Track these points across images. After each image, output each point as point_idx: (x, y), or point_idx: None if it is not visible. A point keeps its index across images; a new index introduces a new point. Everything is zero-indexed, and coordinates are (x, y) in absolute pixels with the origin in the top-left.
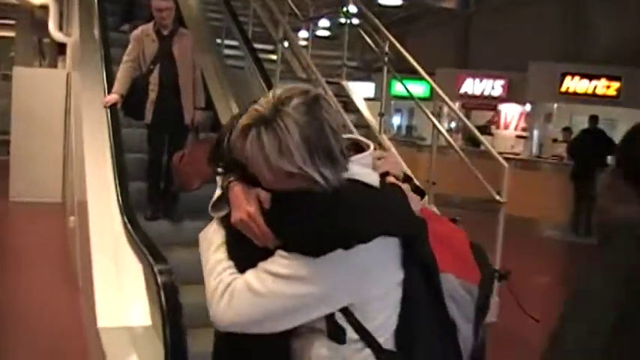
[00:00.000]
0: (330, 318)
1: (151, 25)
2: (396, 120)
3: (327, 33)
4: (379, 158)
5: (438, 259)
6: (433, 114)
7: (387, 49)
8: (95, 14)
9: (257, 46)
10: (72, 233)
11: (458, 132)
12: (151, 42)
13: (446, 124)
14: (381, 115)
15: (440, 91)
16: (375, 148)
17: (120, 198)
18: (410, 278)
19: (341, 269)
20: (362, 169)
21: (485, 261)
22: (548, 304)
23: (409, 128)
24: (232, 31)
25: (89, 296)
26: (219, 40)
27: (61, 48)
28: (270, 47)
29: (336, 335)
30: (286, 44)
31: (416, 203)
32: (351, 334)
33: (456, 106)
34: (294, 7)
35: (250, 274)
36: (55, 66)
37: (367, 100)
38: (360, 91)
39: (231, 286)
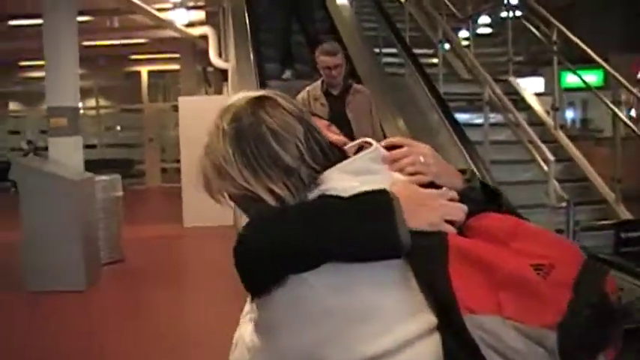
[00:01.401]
0: None
1: (318, 84)
2: (569, 114)
3: (488, 30)
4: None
5: (474, 291)
6: (612, 103)
7: (555, 38)
8: (248, 38)
9: (416, 51)
10: None
11: (638, 121)
12: (320, 106)
13: (625, 113)
14: (555, 109)
15: (618, 76)
16: (389, 146)
17: None
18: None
19: (296, 311)
20: (344, 177)
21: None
22: None
23: (584, 121)
24: (389, 39)
25: None
26: (377, 49)
27: (224, 74)
28: (429, 51)
29: None
30: (447, 46)
31: (438, 213)
32: None
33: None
34: (451, 6)
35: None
36: (220, 92)
37: (538, 95)
38: (529, 86)
39: (238, 335)
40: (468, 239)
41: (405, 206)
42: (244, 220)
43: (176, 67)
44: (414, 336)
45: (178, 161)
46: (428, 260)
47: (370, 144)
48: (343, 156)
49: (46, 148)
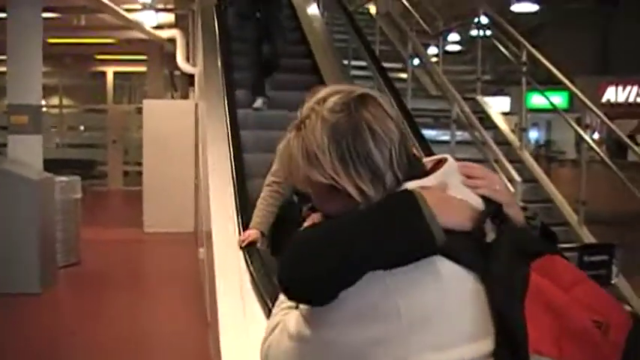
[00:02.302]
0: None
1: None
2: (533, 134)
3: (457, 47)
4: (469, 177)
5: (543, 333)
6: (577, 125)
7: (524, 58)
8: (217, 43)
9: (385, 64)
10: (201, 265)
11: (601, 144)
12: None
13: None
14: (522, 129)
15: (584, 99)
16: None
17: (241, 232)
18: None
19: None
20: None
21: None
22: None
23: (548, 142)
24: (359, 52)
25: (215, 336)
26: (345, 62)
27: (191, 79)
28: (399, 65)
29: None
30: (416, 61)
31: (466, 216)
32: None
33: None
34: (422, 22)
35: (294, 313)
36: (186, 97)
37: (504, 114)
38: (495, 105)
39: (276, 321)
40: (545, 280)
41: (435, 206)
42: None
43: (143, 69)
44: (469, 359)
45: (141, 164)
46: (508, 292)
47: (447, 160)
48: (423, 170)
49: (4, 145)
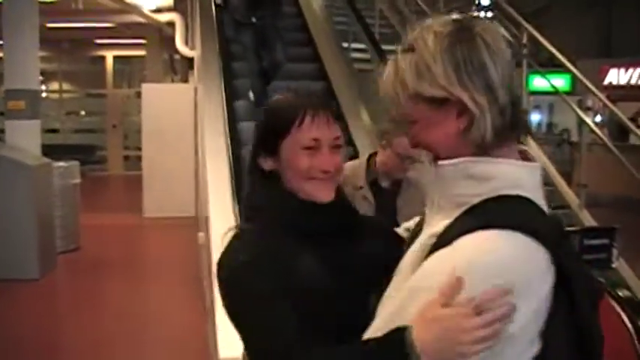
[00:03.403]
0: None
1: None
2: (535, 117)
3: None
4: None
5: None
6: (579, 108)
7: (525, 40)
8: (214, 27)
9: (385, 47)
10: (200, 250)
11: (604, 126)
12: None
13: (590, 119)
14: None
15: (586, 81)
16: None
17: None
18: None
19: None
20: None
21: None
22: None
23: (550, 125)
24: (359, 34)
25: (213, 321)
26: (345, 44)
27: (191, 63)
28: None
29: None
30: None
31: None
32: None
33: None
34: (422, 3)
35: None
36: (186, 81)
37: None
38: None
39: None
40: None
41: (433, 344)
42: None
43: (142, 53)
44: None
45: (141, 149)
46: (589, 303)
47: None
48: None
49: (2, 131)
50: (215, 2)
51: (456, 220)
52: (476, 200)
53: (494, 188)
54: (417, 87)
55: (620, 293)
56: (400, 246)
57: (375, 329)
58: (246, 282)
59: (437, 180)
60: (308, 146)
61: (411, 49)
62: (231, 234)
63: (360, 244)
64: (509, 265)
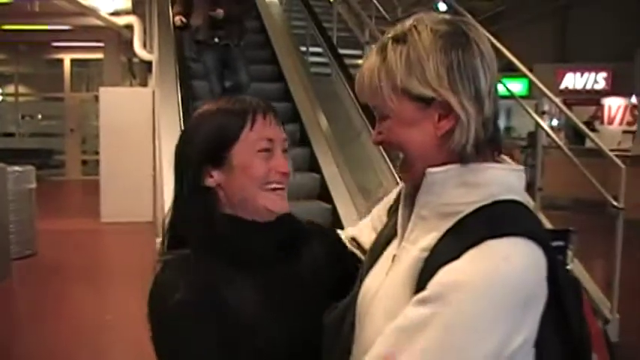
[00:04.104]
0: None
1: None
2: None
3: None
4: None
5: None
6: (535, 112)
7: None
8: (172, 31)
9: (343, 51)
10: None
11: (560, 130)
12: None
13: (547, 122)
14: None
15: (541, 86)
16: None
17: None
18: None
19: None
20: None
21: None
22: None
23: (507, 129)
24: (317, 38)
25: None
26: (303, 48)
27: (150, 67)
28: (358, 52)
29: None
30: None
31: None
32: None
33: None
34: (380, 7)
35: None
36: (145, 85)
37: None
38: None
39: None
40: None
41: None
42: None
43: (100, 56)
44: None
45: (99, 153)
46: (577, 306)
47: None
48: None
49: None
50: (174, 23)
51: (454, 231)
52: (467, 208)
53: (490, 194)
54: (405, 82)
55: None
56: (347, 257)
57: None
58: (183, 326)
59: (424, 188)
60: (264, 148)
61: (402, 40)
62: (159, 266)
63: (304, 262)
64: (525, 276)
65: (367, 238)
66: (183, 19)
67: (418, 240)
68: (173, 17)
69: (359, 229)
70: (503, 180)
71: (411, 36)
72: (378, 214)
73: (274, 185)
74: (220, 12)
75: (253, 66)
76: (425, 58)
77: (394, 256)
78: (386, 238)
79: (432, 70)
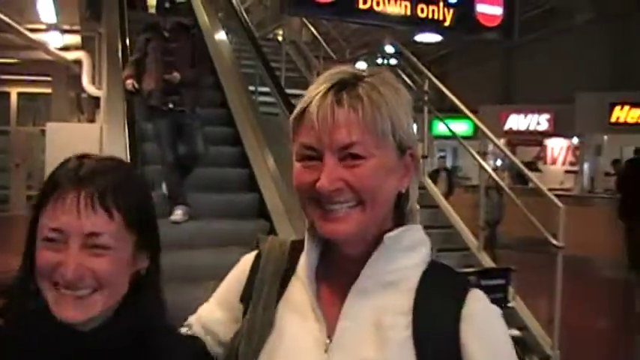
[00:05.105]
0: None
1: None
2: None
3: None
4: None
5: None
6: (478, 153)
7: (426, 87)
8: (120, 67)
9: (291, 91)
10: None
11: (504, 170)
12: None
13: (492, 162)
14: (424, 157)
15: (484, 129)
16: None
17: None
18: None
19: None
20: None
21: None
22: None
23: (454, 168)
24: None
25: None
26: (252, 88)
27: (98, 102)
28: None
29: None
30: None
31: None
32: None
33: (501, 142)
34: (329, 49)
35: None
36: (93, 120)
37: None
38: None
39: None
40: None
41: None
42: None
43: (48, 90)
44: None
45: None
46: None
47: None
48: None
49: None
50: (125, 87)
51: (430, 293)
52: (413, 273)
53: (427, 255)
54: (397, 125)
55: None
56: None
57: None
58: None
59: (376, 256)
60: (46, 238)
61: (365, 84)
62: None
63: None
64: None
65: (224, 329)
66: (135, 84)
67: (365, 315)
68: (123, 81)
69: (217, 323)
70: (425, 238)
71: (389, 98)
72: (227, 299)
73: (62, 290)
74: (177, 75)
75: (209, 128)
76: (404, 113)
77: (327, 343)
78: (262, 327)
79: (407, 131)
